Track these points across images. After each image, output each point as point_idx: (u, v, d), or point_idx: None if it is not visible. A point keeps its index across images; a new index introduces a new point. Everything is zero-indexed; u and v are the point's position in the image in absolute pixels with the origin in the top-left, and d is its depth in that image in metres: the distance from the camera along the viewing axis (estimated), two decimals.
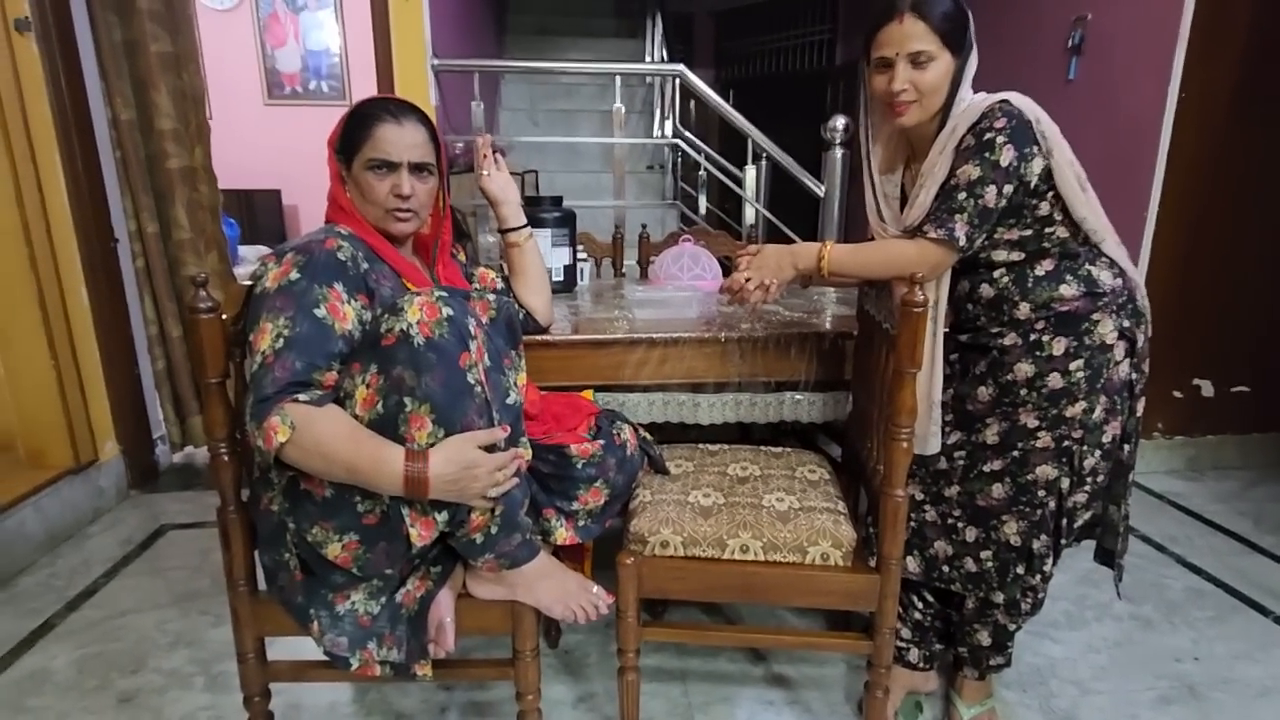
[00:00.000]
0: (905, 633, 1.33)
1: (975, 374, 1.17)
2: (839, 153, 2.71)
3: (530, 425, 1.17)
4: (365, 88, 4.37)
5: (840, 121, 2.67)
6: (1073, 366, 1.09)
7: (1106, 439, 1.12)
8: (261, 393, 0.88)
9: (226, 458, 1.00)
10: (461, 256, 1.30)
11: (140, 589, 1.70)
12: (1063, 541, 1.18)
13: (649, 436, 1.33)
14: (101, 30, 2.04)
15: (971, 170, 1.04)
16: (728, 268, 2.11)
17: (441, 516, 0.93)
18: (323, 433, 0.87)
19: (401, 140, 1.04)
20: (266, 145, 4.61)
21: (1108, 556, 1.26)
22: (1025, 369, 1.11)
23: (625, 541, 1.16)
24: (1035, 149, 1.05)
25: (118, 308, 2.15)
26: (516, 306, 1.30)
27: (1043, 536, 1.16)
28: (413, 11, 2.37)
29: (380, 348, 0.89)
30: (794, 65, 5.15)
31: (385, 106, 1.06)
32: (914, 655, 1.34)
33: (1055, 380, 1.10)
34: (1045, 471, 1.13)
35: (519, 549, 1.00)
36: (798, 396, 1.49)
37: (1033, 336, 1.11)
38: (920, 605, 1.33)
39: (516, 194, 1.30)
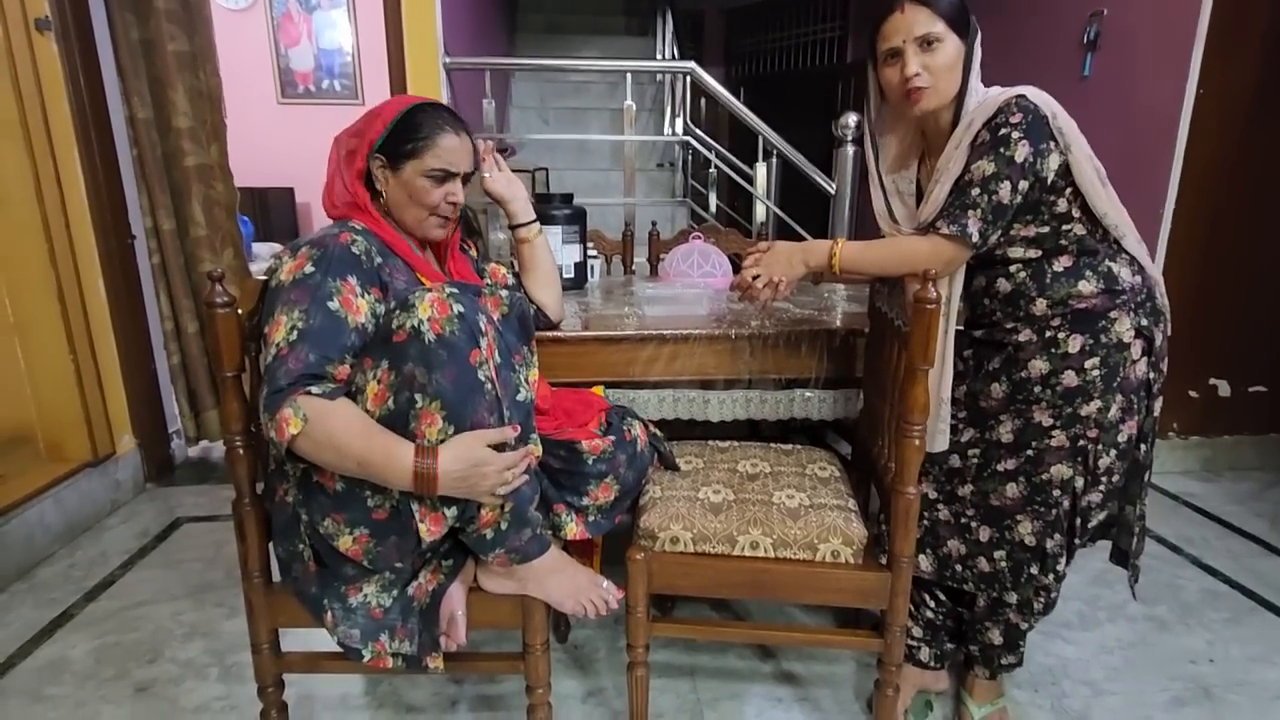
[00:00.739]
0: (917, 631, 1.33)
1: (989, 370, 1.16)
2: (850, 150, 2.70)
3: (541, 421, 1.18)
4: (377, 87, 4.39)
5: (852, 118, 2.66)
6: (1088, 364, 1.08)
7: (1122, 438, 1.11)
8: (275, 384, 0.89)
9: (242, 450, 1.01)
10: (473, 252, 1.30)
11: (156, 581, 1.72)
12: (1076, 541, 1.17)
13: (659, 433, 1.33)
14: (119, 29, 2.07)
15: (986, 166, 1.03)
16: (738, 265, 2.11)
17: (451, 512, 0.93)
18: (335, 426, 0.88)
19: (461, 152, 1.08)
20: (280, 144, 4.65)
21: (1123, 557, 1.25)
22: (1040, 366, 1.10)
23: (635, 537, 1.16)
24: (1051, 145, 1.04)
25: (134, 303, 2.17)
26: (528, 302, 1.31)
27: (1056, 536, 1.15)
28: (425, 10, 2.38)
29: (391, 344, 0.90)
30: (805, 62, 5.13)
31: (445, 116, 1.09)
32: (925, 654, 1.33)
33: (1070, 378, 1.09)
34: (1060, 471, 1.12)
35: (529, 544, 1.01)
36: (808, 394, 1.48)
37: (1048, 333, 1.10)
38: (932, 604, 1.32)
39: (523, 190, 1.31)
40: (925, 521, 1.23)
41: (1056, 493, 1.13)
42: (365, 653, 1.00)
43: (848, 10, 4.79)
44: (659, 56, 5.08)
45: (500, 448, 0.93)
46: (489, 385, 0.90)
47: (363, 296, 0.97)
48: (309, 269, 0.95)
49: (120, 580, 1.72)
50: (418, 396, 0.88)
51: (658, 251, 2.27)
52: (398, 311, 0.91)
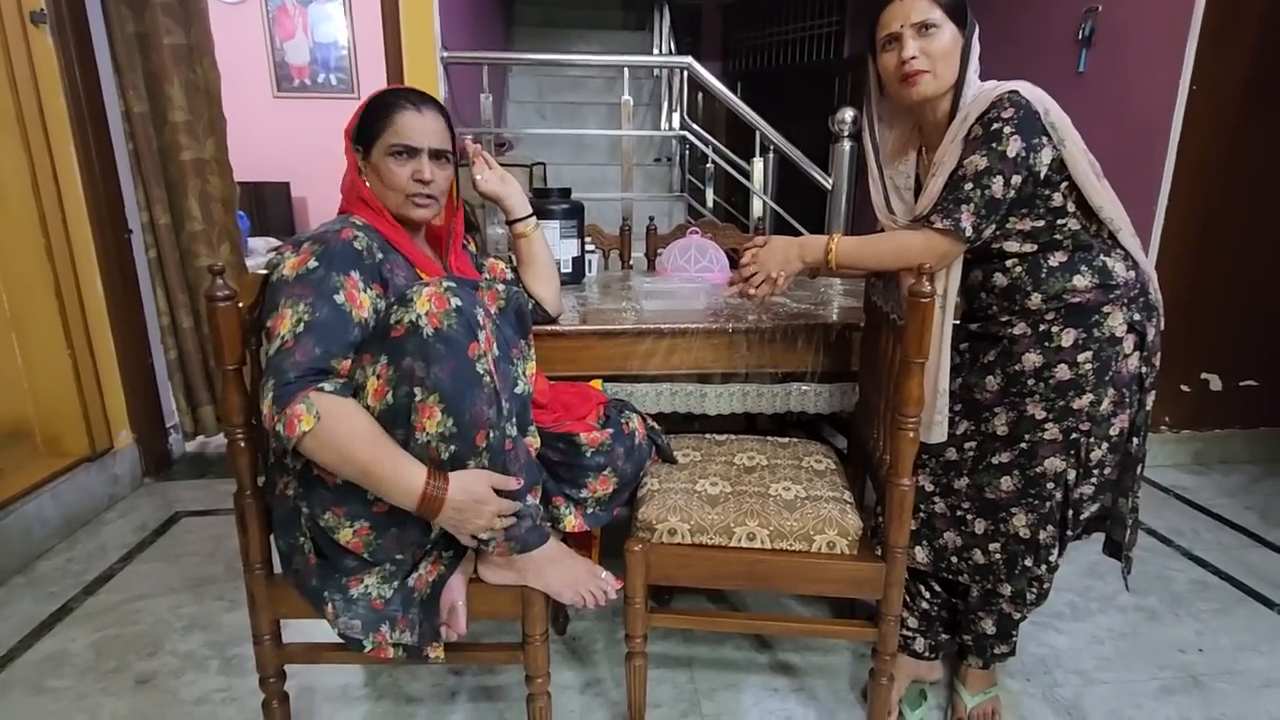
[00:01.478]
0: (912, 622, 1.34)
1: (984, 363, 1.18)
2: (847, 145, 2.72)
3: (540, 414, 1.19)
4: (374, 81, 4.38)
5: (849, 114, 2.67)
6: (1081, 358, 1.09)
7: (1114, 431, 1.12)
8: (284, 376, 0.89)
9: (243, 443, 1.02)
10: (472, 247, 1.31)
11: (155, 574, 1.73)
12: (1069, 533, 1.19)
13: (657, 426, 1.34)
14: (115, 23, 2.06)
15: (979, 161, 1.05)
16: (735, 260, 2.12)
17: None
18: (345, 430, 0.89)
19: (423, 127, 1.07)
20: (275, 138, 4.63)
21: (1116, 549, 1.27)
22: (1033, 359, 1.12)
23: (633, 529, 1.18)
24: (1044, 139, 1.05)
25: (131, 298, 2.17)
26: (526, 296, 1.32)
27: (1049, 528, 1.16)
28: (422, 4, 2.38)
29: (390, 339, 0.90)
30: (802, 58, 5.13)
31: (405, 95, 1.09)
32: (920, 644, 1.35)
33: (1063, 371, 1.10)
34: (1053, 464, 1.14)
35: (529, 534, 1.02)
36: (804, 387, 1.50)
37: (1042, 327, 1.11)
38: (928, 595, 1.34)
39: (517, 185, 1.31)
40: (922, 514, 1.25)
41: (1050, 485, 1.15)
42: (366, 643, 1.01)
43: (845, 5, 4.79)
44: (656, 51, 5.08)
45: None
46: (487, 378, 0.91)
47: (365, 291, 0.98)
48: (313, 264, 0.96)
49: (119, 574, 1.73)
50: (417, 390, 0.89)
51: (655, 246, 2.28)
52: (396, 307, 0.91)
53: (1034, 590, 1.21)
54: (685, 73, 3.51)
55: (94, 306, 2.03)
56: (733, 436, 1.43)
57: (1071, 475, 1.14)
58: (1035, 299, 1.11)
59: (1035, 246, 1.12)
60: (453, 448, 0.91)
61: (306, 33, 4.70)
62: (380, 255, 1.03)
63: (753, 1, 5.36)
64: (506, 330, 1.06)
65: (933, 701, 1.36)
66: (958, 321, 1.23)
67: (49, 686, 1.36)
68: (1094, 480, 1.14)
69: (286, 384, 0.89)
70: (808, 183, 2.93)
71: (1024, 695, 1.38)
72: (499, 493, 0.96)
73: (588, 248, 1.99)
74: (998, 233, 1.12)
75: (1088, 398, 1.10)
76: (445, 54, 2.50)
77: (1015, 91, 1.05)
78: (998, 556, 1.20)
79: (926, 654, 1.35)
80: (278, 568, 1.08)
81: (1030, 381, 1.12)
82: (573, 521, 1.17)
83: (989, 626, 1.28)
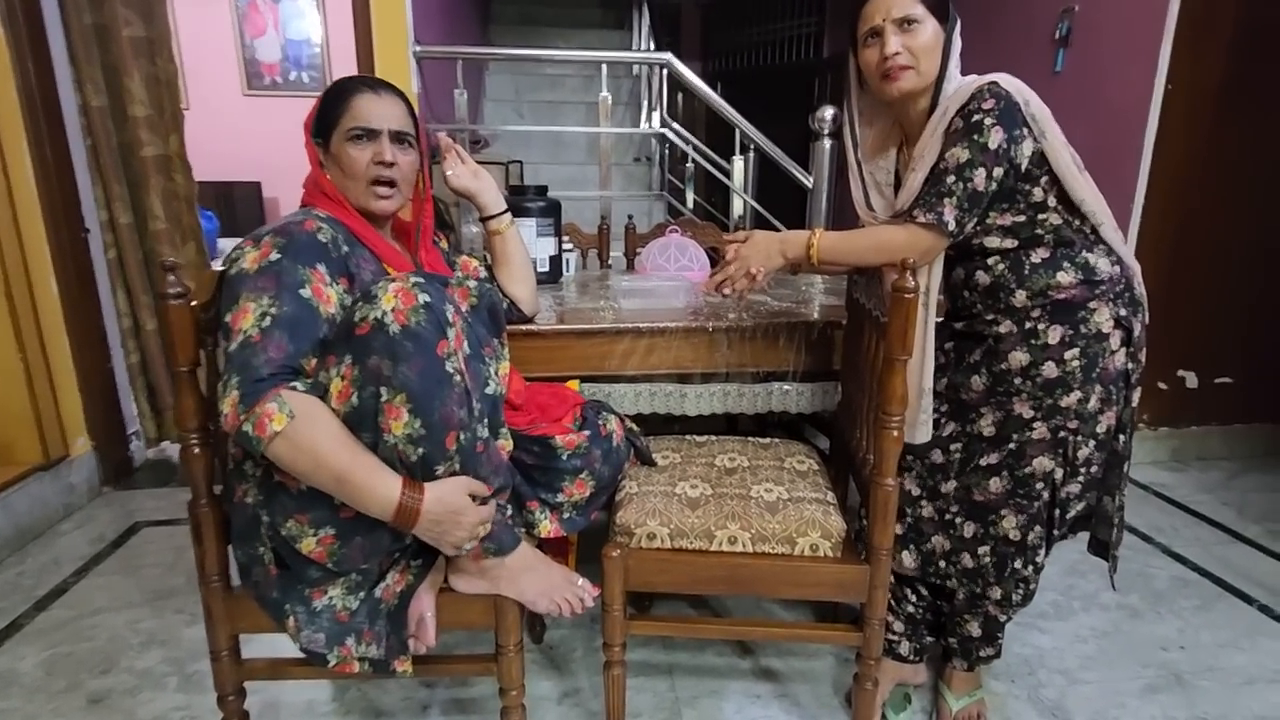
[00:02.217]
0: (897, 626, 1.32)
1: (969, 362, 1.15)
2: (827, 143, 2.70)
3: (515, 416, 1.14)
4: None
5: (829, 112, 2.66)
6: (1068, 355, 1.08)
7: (1101, 429, 1.11)
8: (255, 373, 0.84)
9: (198, 449, 0.97)
10: (444, 244, 1.26)
11: (112, 588, 1.65)
12: (1055, 533, 1.17)
13: (635, 427, 1.30)
14: (71, 14, 1.98)
15: (960, 153, 1.02)
16: (715, 259, 2.09)
17: None
18: (321, 434, 0.84)
19: (381, 108, 1.04)
20: (246, 137, 4.52)
21: (1101, 548, 1.25)
22: (1020, 357, 1.10)
23: (611, 534, 1.14)
24: (1024, 131, 1.03)
25: (89, 299, 2.09)
26: (500, 294, 1.27)
27: (1037, 528, 1.15)
28: None
29: (355, 337, 0.86)
30: (782, 58, 5.13)
31: (361, 79, 1.06)
32: (905, 648, 1.32)
33: (1050, 369, 1.08)
34: (1042, 463, 1.11)
35: (502, 533, 0.98)
36: (786, 387, 1.47)
37: (1028, 324, 1.09)
38: (913, 598, 1.32)
39: (491, 181, 1.27)
40: (909, 518, 1.22)
41: (1039, 485, 1.12)
42: (331, 658, 0.96)
43: (825, 5, 4.80)
44: (635, 50, 5.05)
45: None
46: (458, 377, 0.87)
47: (331, 286, 0.93)
48: (275, 256, 0.91)
49: (73, 588, 1.65)
50: (383, 390, 0.84)
51: (634, 245, 2.24)
52: (360, 303, 0.87)
53: (1020, 592, 1.19)
54: (664, 71, 3.48)
55: (48, 307, 1.94)
56: (713, 437, 1.39)
57: (1059, 474, 1.12)
58: (1020, 296, 1.09)
59: (1016, 242, 1.10)
60: (421, 450, 0.86)
61: (278, 29, 4.60)
62: (346, 248, 0.99)
63: (732, 1, 5.35)
64: (478, 328, 1.01)
65: (916, 704, 1.34)
66: (940, 319, 1.21)
67: None
68: (1081, 479, 1.13)
69: (258, 381, 0.84)
70: (788, 182, 2.92)
71: (1009, 697, 1.36)
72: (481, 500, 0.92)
73: (565, 247, 1.94)
74: (978, 227, 1.10)
75: (1075, 395, 1.08)
76: (418, 48, 2.45)
77: (995, 83, 1.03)
78: (987, 560, 1.17)
79: (911, 657, 1.33)
80: (237, 580, 1.03)
81: (1017, 380, 1.10)
82: (548, 527, 1.13)
83: (974, 629, 1.26)
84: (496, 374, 1.03)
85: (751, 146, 3.01)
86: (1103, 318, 1.08)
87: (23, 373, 1.86)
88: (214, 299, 0.96)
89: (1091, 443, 1.11)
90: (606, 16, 5.76)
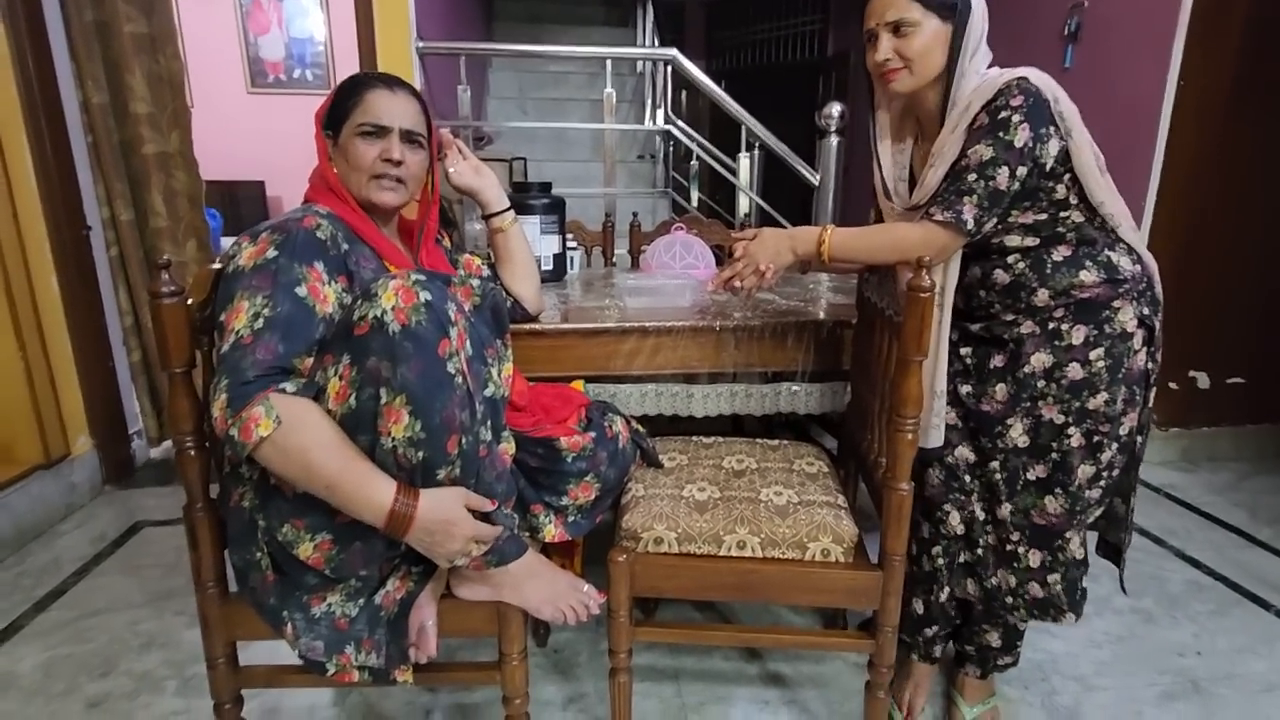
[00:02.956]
0: (931, 629, 1.24)
1: (991, 369, 1.11)
2: (834, 140, 2.67)
3: (518, 417, 1.12)
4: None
5: (835, 108, 2.63)
6: (1093, 355, 1.04)
7: (1124, 430, 1.07)
8: (242, 375, 0.82)
9: (193, 451, 0.94)
10: (447, 243, 1.24)
11: (113, 588, 1.64)
12: None
13: (641, 429, 1.28)
14: (72, 10, 1.96)
15: (984, 150, 0.99)
16: (721, 257, 2.07)
17: None
18: (310, 440, 0.82)
19: (394, 106, 1.02)
20: (250, 136, 4.51)
21: (1112, 551, 1.23)
22: (1043, 359, 1.06)
23: (617, 538, 1.11)
24: (1052, 129, 1.00)
25: (90, 298, 2.07)
26: (504, 294, 1.25)
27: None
28: None
29: (353, 337, 0.83)
30: (786, 55, 5.10)
31: (378, 76, 1.05)
32: (938, 650, 1.27)
33: (1075, 371, 1.05)
34: (1086, 472, 1.07)
35: (506, 544, 0.95)
36: (794, 387, 1.44)
37: (1051, 325, 1.06)
38: (945, 595, 1.22)
39: (493, 177, 1.25)
40: (979, 550, 1.15)
41: (1088, 494, 1.08)
42: (330, 666, 0.94)
43: (828, 3, 4.77)
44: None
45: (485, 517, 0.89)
46: (460, 379, 0.84)
47: (329, 284, 0.91)
48: (271, 253, 0.89)
49: (73, 589, 1.63)
50: (382, 391, 0.82)
51: (639, 243, 2.22)
52: (360, 302, 0.84)
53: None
54: (669, 68, 3.46)
55: (49, 306, 1.93)
56: (720, 439, 1.37)
57: (1099, 479, 1.08)
58: (1042, 295, 1.06)
59: (1038, 240, 1.07)
60: (422, 454, 0.83)
61: (281, 27, 4.58)
62: (345, 246, 0.96)
63: None
64: (481, 329, 0.99)
65: (930, 714, 1.31)
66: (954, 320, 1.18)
67: None
68: (1102, 483, 1.09)
69: (245, 384, 0.82)
70: (793, 181, 2.89)
71: (1022, 704, 1.33)
72: (479, 514, 0.90)
73: (569, 244, 1.92)
74: (999, 226, 1.07)
75: (1103, 396, 1.04)
76: (421, 44, 2.43)
77: (1024, 78, 1.00)
78: (1059, 588, 1.11)
79: (937, 656, 1.27)
80: (234, 585, 1.01)
81: (1041, 384, 1.06)
82: (553, 531, 1.10)
83: (995, 639, 1.23)
84: (499, 376, 1.00)
85: (757, 144, 2.98)
86: (1127, 316, 1.05)
87: (23, 371, 1.84)
88: (210, 297, 0.94)
89: (1115, 445, 1.07)
90: (610, 14, 5.74)
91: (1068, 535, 1.10)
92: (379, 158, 1.01)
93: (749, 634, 1.36)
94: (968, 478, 1.15)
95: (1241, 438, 2.47)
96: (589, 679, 1.37)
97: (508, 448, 1.01)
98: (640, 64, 4.82)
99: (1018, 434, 1.09)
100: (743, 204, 3.29)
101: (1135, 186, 2.20)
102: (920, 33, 1.02)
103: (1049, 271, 1.06)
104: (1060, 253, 1.06)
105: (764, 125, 2.93)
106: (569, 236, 1.91)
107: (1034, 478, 1.09)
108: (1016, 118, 0.98)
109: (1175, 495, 2.20)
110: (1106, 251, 1.06)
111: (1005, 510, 1.12)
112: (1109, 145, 2.38)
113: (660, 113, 4.23)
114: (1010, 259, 1.08)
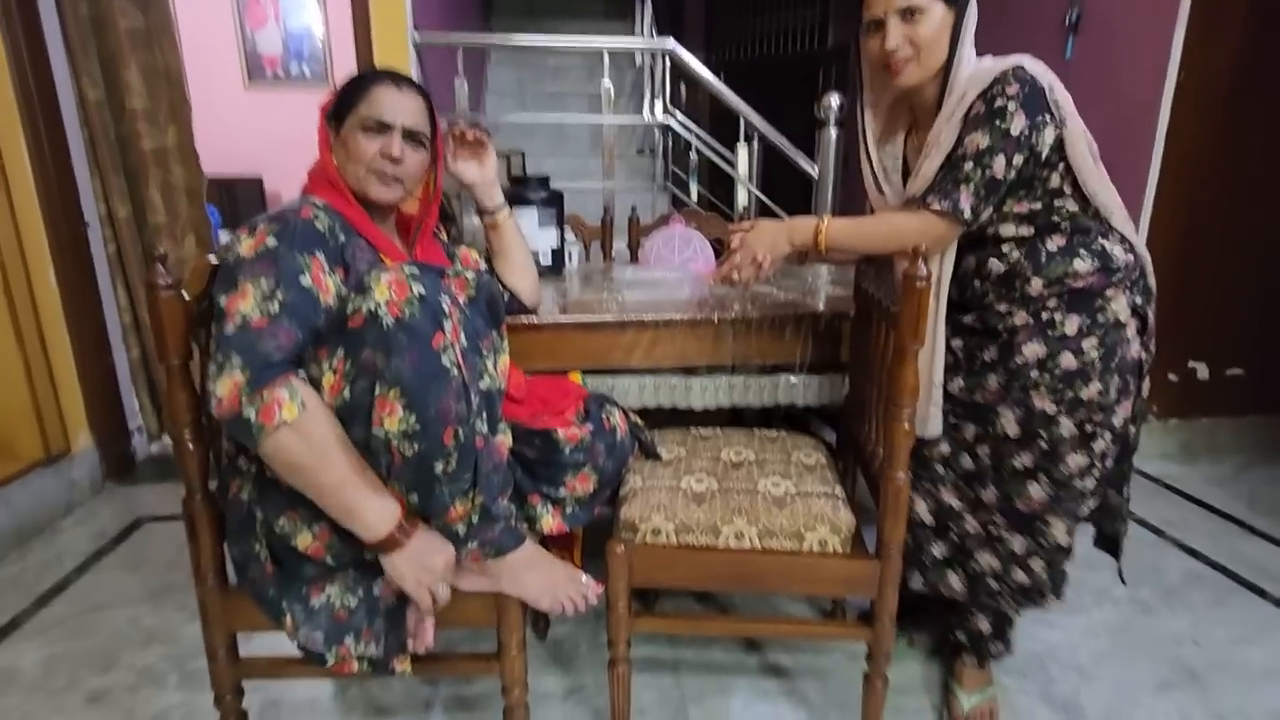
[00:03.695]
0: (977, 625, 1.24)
1: (984, 361, 1.11)
2: (833, 132, 2.67)
3: (516, 408, 1.12)
4: (349, 72, 4.27)
5: (835, 99, 2.62)
6: (1086, 345, 1.04)
7: (1117, 420, 1.07)
8: (265, 357, 0.82)
9: (191, 444, 0.94)
10: (444, 236, 1.24)
11: (114, 584, 1.64)
12: None
13: (639, 421, 1.28)
14: (66, 5, 1.95)
15: (980, 139, 0.99)
16: (720, 251, 2.06)
17: (412, 499, 0.88)
18: (332, 431, 0.83)
19: (399, 104, 1.02)
20: (247, 132, 4.48)
21: (1110, 542, 1.23)
22: (1036, 349, 1.06)
23: (616, 529, 1.12)
24: (1047, 117, 0.99)
25: (89, 294, 2.07)
26: (500, 286, 1.25)
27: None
28: None
29: (347, 330, 0.83)
30: (786, 48, 5.09)
31: (386, 73, 1.05)
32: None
33: (1068, 360, 1.05)
34: (1077, 461, 1.07)
35: (503, 536, 0.96)
36: (792, 379, 1.44)
37: (1044, 315, 1.06)
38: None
39: (491, 173, 1.25)
40: (953, 535, 1.17)
41: (1078, 484, 1.08)
42: (329, 657, 0.94)
43: None
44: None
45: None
46: (455, 370, 0.84)
47: (330, 275, 0.91)
48: (271, 242, 0.89)
49: (75, 584, 1.64)
50: (376, 384, 0.82)
51: (637, 237, 2.21)
52: (354, 295, 0.84)
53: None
54: (667, 60, 3.44)
55: (47, 302, 1.93)
56: (718, 431, 1.37)
57: (1094, 469, 1.08)
58: (1036, 284, 1.06)
59: (1032, 230, 1.07)
60: (417, 446, 0.83)
61: (278, 21, 4.55)
62: (343, 237, 0.97)
63: None
64: (477, 321, 0.99)
65: (927, 702, 1.31)
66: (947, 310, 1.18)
67: None
68: (1096, 473, 1.09)
69: (268, 365, 0.82)
70: (792, 173, 2.89)
71: (1020, 693, 1.34)
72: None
73: (568, 238, 1.92)
74: (995, 215, 1.06)
75: (1095, 386, 1.04)
76: (418, 36, 2.41)
77: (1020, 67, 0.99)
78: (1043, 574, 1.12)
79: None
80: (233, 578, 1.01)
81: (1034, 373, 1.06)
82: (551, 522, 1.11)
83: (984, 625, 1.23)
84: (495, 368, 1.00)
85: (755, 136, 2.97)
86: (1120, 306, 1.05)
87: (23, 367, 1.85)
88: (207, 290, 0.94)
89: (1109, 434, 1.07)
90: (609, 8, 5.72)
91: (1049, 520, 1.10)
92: (379, 153, 1.01)
93: (748, 624, 1.37)
94: (940, 467, 1.16)
95: (1241, 429, 2.47)
96: (588, 671, 1.37)
97: (504, 440, 1.01)
98: (639, 57, 4.80)
99: (1008, 423, 1.10)
100: (741, 197, 3.29)
101: (1135, 178, 2.20)
102: (929, 18, 1.02)
103: (1043, 261, 1.06)
104: (1055, 242, 1.06)
105: (764, 118, 2.92)
106: (567, 230, 1.91)
107: (1020, 466, 1.10)
108: (1013, 106, 0.97)
109: (1174, 486, 2.20)
110: (1100, 240, 1.06)
111: (990, 494, 1.13)
112: (1109, 136, 2.38)
113: (659, 106, 4.21)
114: (1005, 248, 1.08)
